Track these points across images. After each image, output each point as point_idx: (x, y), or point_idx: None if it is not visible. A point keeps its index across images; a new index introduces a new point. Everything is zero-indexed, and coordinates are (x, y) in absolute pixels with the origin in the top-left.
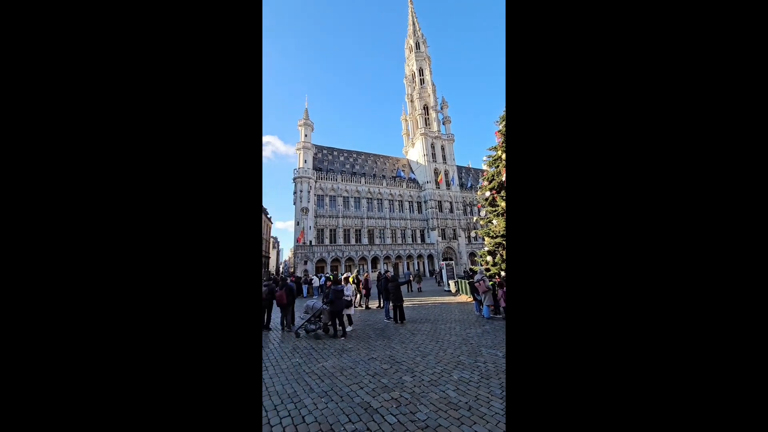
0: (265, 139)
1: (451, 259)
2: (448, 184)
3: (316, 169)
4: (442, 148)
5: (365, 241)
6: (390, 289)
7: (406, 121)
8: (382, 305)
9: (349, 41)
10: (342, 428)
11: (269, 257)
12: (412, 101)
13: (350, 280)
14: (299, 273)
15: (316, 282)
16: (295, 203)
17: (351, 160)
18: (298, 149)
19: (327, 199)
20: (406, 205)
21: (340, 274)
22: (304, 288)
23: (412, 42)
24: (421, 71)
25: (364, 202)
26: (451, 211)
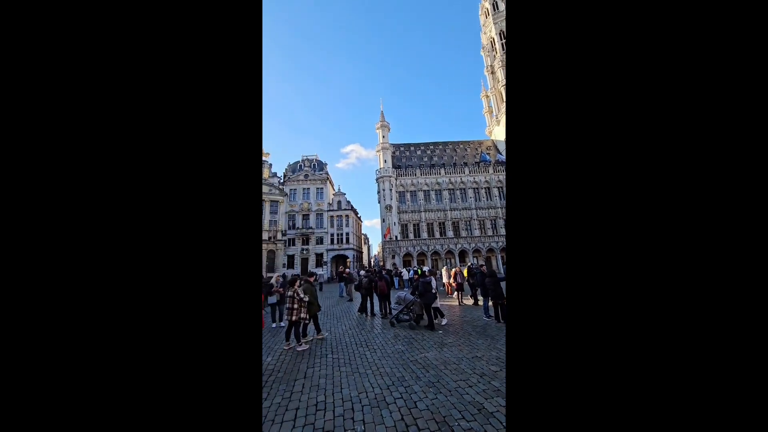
0: (348, 147)
1: None
2: None
3: (395, 167)
4: None
5: (450, 234)
6: (487, 285)
7: (488, 97)
8: (476, 302)
9: (415, 30)
10: (456, 424)
11: (362, 252)
12: (493, 72)
13: (465, 272)
14: (388, 266)
15: (405, 275)
16: (379, 202)
17: (428, 152)
18: (377, 151)
19: (408, 195)
20: (495, 191)
21: (426, 268)
22: (396, 280)
23: (487, 5)
24: (501, 34)
25: (445, 193)
26: None
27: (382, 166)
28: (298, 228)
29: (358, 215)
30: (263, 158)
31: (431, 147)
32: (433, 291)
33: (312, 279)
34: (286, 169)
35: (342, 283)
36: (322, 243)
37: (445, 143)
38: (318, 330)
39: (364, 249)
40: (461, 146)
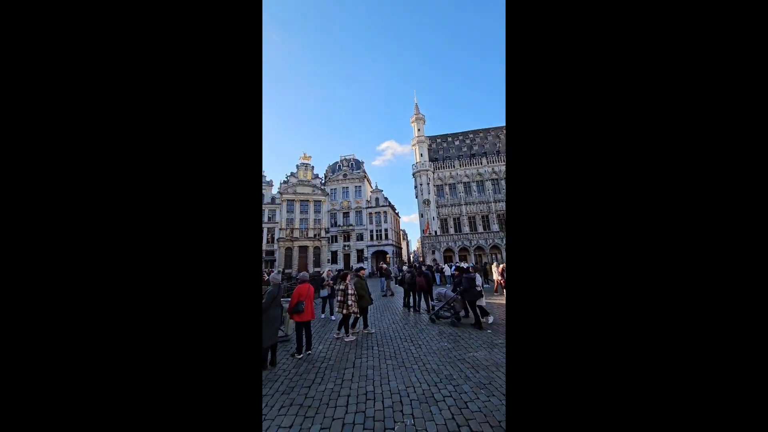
0: (383, 145)
1: None
2: None
3: (432, 159)
4: None
5: (495, 227)
6: None
7: None
8: None
9: (445, 8)
10: None
11: (401, 247)
12: None
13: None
14: (428, 262)
15: (447, 271)
16: (417, 197)
17: (467, 141)
18: (413, 145)
19: (446, 188)
20: None
21: (468, 264)
22: (437, 276)
23: None
24: None
25: (488, 184)
26: None
27: (418, 160)
28: (339, 225)
29: (396, 211)
30: (305, 161)
31: (470, 135)
32: (478, 288)
33: (361, 273)
34: (326, 170)
35: (383, 278)
36: (362, 239)
37: (486, 130)
38: (366, 325)
39: (403, 245)
40: (505, 131)
